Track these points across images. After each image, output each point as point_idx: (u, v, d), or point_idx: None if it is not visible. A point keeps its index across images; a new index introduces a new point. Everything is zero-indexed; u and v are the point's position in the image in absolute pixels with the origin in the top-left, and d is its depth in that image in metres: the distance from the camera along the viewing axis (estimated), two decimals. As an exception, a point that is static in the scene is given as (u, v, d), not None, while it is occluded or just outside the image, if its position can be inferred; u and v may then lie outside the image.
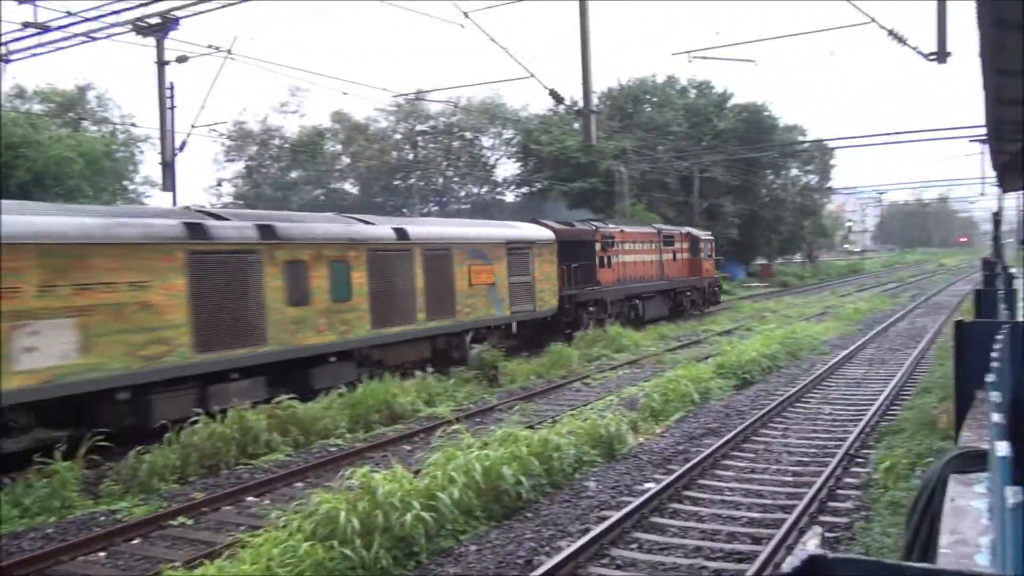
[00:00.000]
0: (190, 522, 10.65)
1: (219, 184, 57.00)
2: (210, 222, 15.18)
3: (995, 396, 3.75)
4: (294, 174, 60.01)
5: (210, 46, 23.78)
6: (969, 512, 3.71)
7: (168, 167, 26.47)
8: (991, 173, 33.11)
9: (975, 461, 4.89)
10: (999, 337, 5.76)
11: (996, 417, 3.28)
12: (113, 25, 22.90)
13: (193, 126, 27.17)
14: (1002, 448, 2.65)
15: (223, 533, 10.12)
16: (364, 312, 17.90)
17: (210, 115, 63.12)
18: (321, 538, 8.43)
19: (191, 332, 14.05)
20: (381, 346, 18.70)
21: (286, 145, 60.42)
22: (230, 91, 60.37)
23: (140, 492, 11.61)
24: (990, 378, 4.34)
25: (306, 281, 16.47)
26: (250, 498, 11.65)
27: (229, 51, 23.62)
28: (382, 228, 19.29)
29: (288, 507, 9.59)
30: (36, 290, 11.77)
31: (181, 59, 25.11)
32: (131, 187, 43.04)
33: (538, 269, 24.84)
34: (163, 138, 26.46)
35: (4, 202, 12.52)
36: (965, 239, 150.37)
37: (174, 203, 26.25)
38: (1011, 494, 2.04)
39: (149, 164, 44.79)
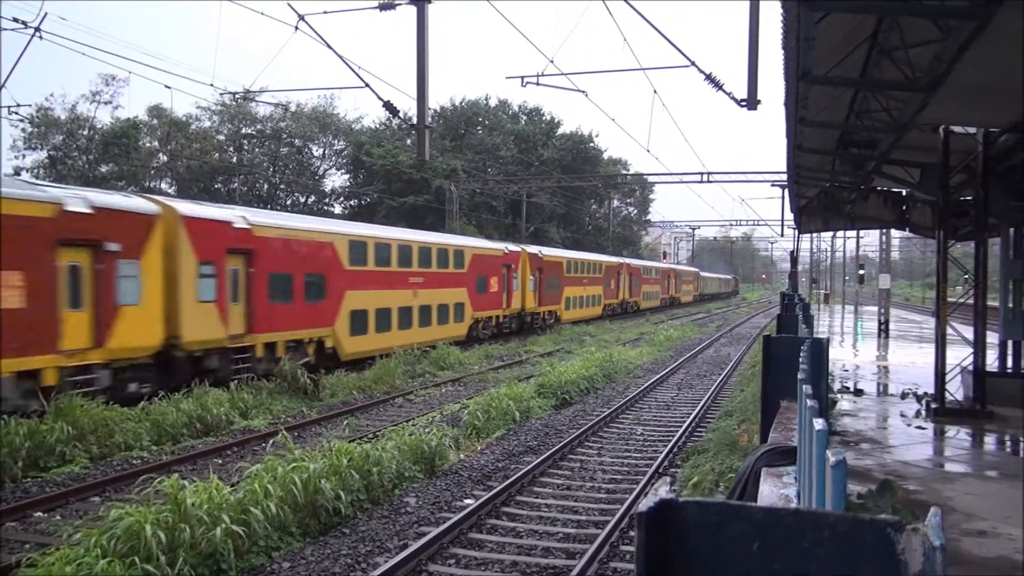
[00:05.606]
0: (-35, 540, 9.63)
1: (17, 174, 52.21)
2: None
3: (808, 389, 4.12)
4: (104, 168, 55.92)
5: (15, 20, 21.90)
6: (780, 499, 4.03)
7: (-42, 149, 24.03)
8: (790, 215, 36.14)
9: (783, 456, 5.34)
10: (803, 349, 6.35)
11: (810, 402, 3.59)
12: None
13: (-10, 107, 24.92)
14: (819, 423, 2.94)
15: (6, 552, 9.21)
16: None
17: (14, 98, 57.86)
18: (121, 555, 7.86)
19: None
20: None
21: (96, 137, 56.35)
22: (38, 75, 55.81)
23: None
24: (801, 375, 4.77)
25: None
26: (39, 513, 10.70)
27: (38, 28, 21.82)
28: None
29: (83, 523, 8.88)
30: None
31: (-21, 33, 22.98)
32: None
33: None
34: (-46, 117, 24.02)
35: None
36: (765, 276, 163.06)
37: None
38: (831, 455, 2.31)
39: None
